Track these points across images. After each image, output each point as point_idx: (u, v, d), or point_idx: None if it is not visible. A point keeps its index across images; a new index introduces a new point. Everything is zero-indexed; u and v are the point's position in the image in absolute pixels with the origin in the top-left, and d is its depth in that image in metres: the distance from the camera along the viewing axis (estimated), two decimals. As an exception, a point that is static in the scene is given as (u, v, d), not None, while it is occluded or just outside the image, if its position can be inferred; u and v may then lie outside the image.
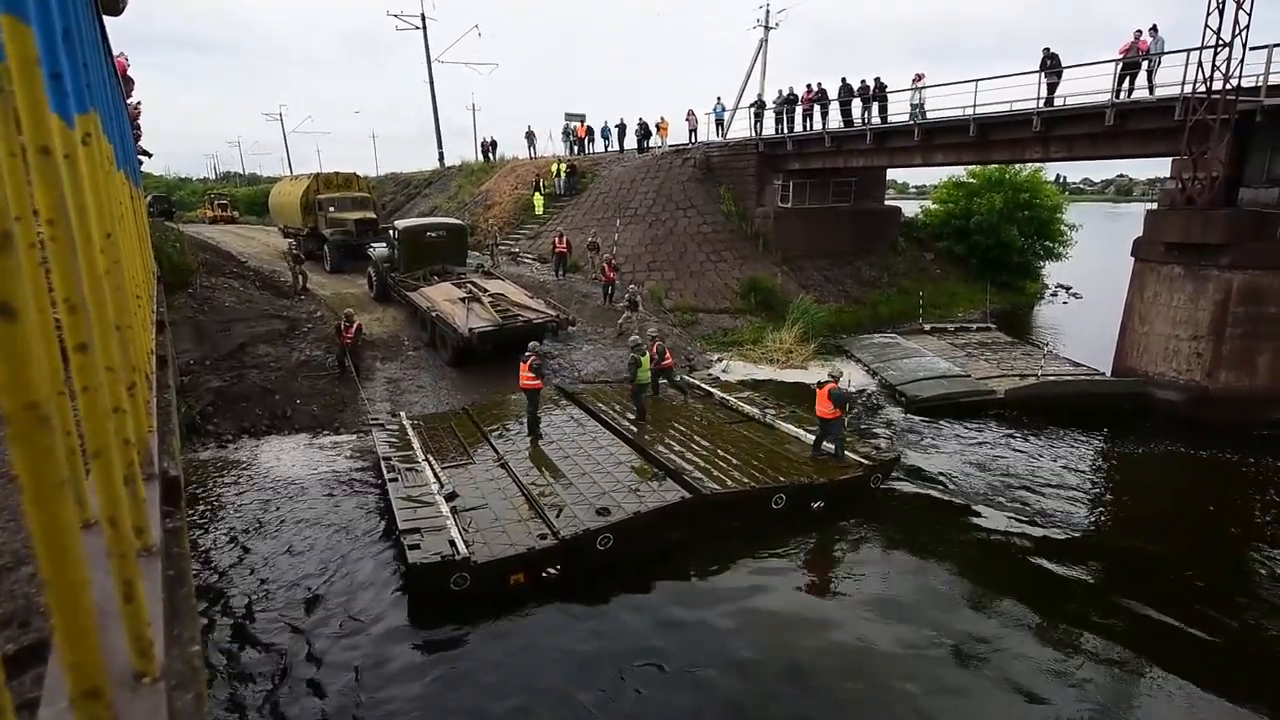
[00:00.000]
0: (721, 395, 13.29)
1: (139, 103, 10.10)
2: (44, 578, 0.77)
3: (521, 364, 11.37)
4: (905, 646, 7.18)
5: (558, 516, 8.61)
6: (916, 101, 19.47)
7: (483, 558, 7.78)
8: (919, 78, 19.61)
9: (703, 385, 14.05)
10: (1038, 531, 9.48)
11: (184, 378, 12.75)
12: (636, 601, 7.96)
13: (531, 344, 11.83)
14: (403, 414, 12.69)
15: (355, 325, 14.36)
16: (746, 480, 9.58)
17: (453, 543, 7.88)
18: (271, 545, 9.03)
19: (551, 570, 8.03)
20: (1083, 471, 11.54)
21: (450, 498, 9.15)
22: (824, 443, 10.40)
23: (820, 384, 10.16)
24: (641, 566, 8.48)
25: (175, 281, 15.62)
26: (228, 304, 16.37)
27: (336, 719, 6.17)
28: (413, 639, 7.30)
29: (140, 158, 9.68)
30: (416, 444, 10.99)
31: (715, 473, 9.79)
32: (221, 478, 10.92)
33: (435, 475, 9.83)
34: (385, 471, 10.03)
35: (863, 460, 10.20)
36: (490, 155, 36.38)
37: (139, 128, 10.34)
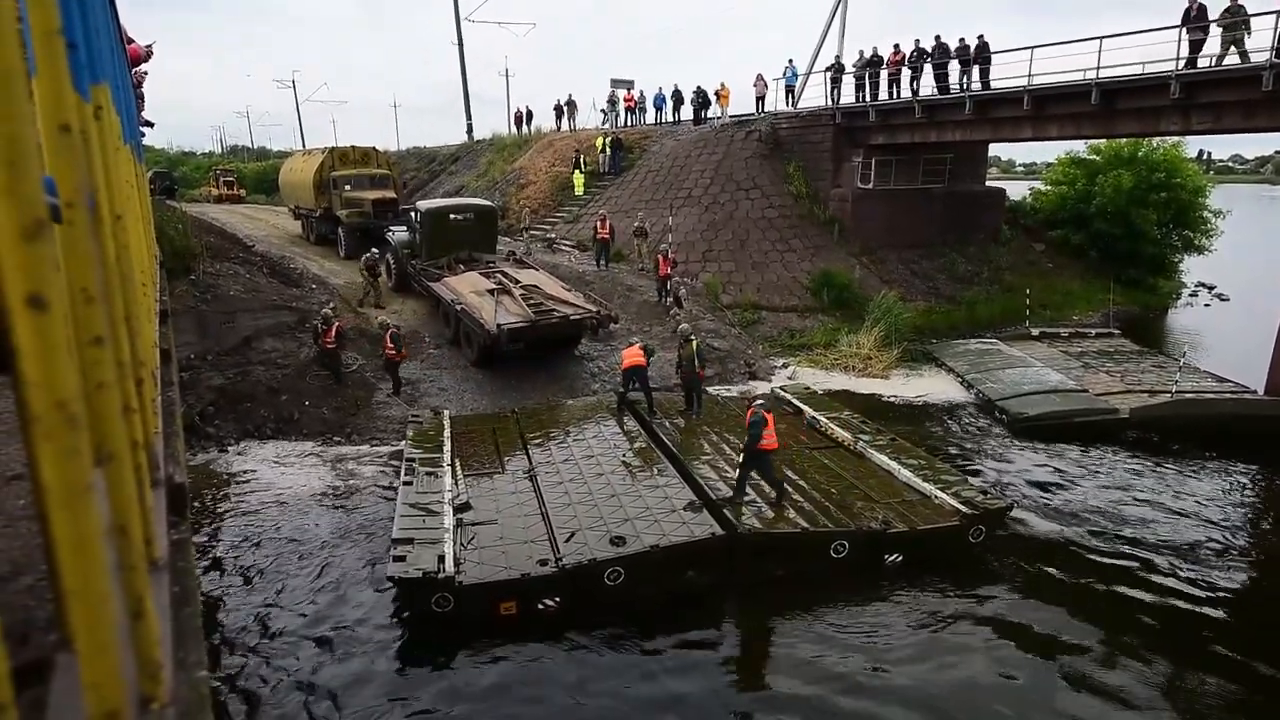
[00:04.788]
0: (812, 414, 13.02)
1: (144, 71, 10.59)
2: (65, 589, 0.83)
3: (629, 347, 13.31)
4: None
5: (567, 541, 8.65)
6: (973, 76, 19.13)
7: (471, 579, 7.90)
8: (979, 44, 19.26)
9: (793, 400, 13.86)
10: (1177, 593, 8.94)
11: (184, 374, 13.30)
12: (637, 658, 7.79)
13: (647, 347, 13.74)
14: (445, 412, 13.04)
15: (334, 327, 14.45)
16: (801, 520, 9.29)
17: (441, 559, 8.00)
18: (270, 561, 9.38)
19: (549, 602, 8.07)
20: (1229, 513, 11.02)
21: (461, 509, 9.34)
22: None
23: (766, 405, 9.66)
24: (658, 611, 8.38)
25: (177, 267, 16.30)
26: (232, 292, 17.00)
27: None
28: (392, 668, 7.53)
29: (142, 129, 10.16)
30: (448, 446, 11.27)
31: (766, 507, 9.61)
32: (221, 486, 11.36)
33: (455, 482, 10.08)
34: (403, 473, 10.34)
35: (960, 507, 9.57)
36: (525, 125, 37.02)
37: (142, 97, 10.85)
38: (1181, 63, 15.80)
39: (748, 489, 9.97)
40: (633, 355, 13.02)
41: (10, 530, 2.38)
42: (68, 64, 1.26)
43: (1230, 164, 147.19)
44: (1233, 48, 15.74)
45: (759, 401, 9.65)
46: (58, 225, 1.25)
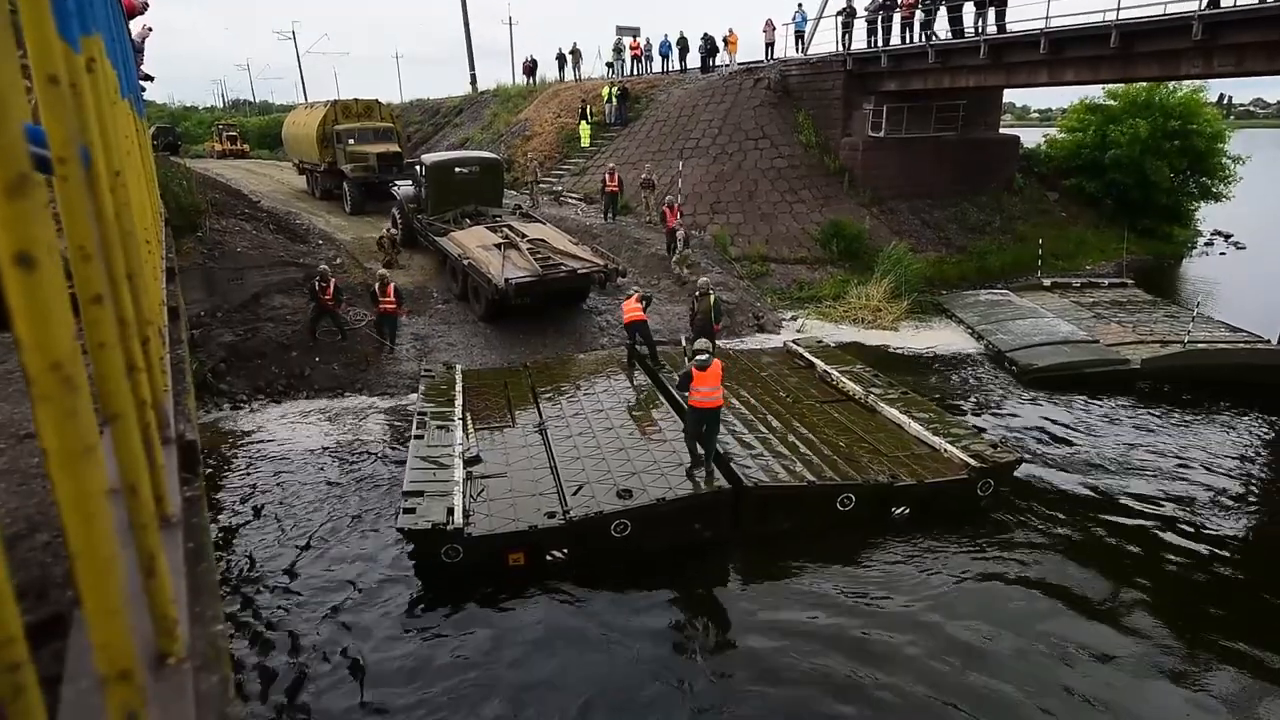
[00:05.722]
0: (824, 368, 12.94)
1: (148, 26, 10.40)
2: (71, 551, 0.83)
3: (627, 300, 13.13)
4: (1001, 697, 6.68)
5: (575, 494, 8.73)
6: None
7: (480, 531, 8.04)
8: None
9: (806, 354, 13.79)
10: (1188, 547, 8.90)
11: (194, 331, 13.35)
12: (642, 610, 7.87)
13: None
14: (458, 366, 13.15)
15: (332, 283, 14.18)
16: (808, 473, 9.29)
17: (451, 511, 8.13)
18: (282, 516, 9.52)
19: (557, 554, 8.20)
20: (1242, 465, 10.99)
21: (471, 462, 9.45)
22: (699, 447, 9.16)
23: (701, 363, 8.75)
24: (664, 563, 8.46)
25: (183, 224, 16.24)
26: (239, 249, 16.96)
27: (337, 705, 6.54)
28: (402, 618, 7.70)
29: (142, 84, 10.00)
30: (459, 400, 11.37)
31: (773, 460, 9.60)
32: (233, 442, 11.48)
33: (465, 435, 10.18)
34: (414, 426, 10.45)
35: (969, 460, 9.51)
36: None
37: (142, 51, 10.66)
38: (1203, 2, 15.31)
39: (753, 444, 10.01)
40: (632, 309, 12.94)
41: (25, 488, 2.41)
42: (52, 12, 1.21)
43: (1252, 108, 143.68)
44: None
45: (700, 357, 8.88)
46: (49, 180, 1.22)
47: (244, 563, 8.58)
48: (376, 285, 14.20)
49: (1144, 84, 25.19)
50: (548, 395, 11.98)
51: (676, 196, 20.61)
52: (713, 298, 12.77)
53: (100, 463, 0.87)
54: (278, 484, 10.31)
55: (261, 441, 11.53)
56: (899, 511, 9.20)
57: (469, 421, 10.74)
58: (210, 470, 10.42)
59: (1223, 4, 15.33)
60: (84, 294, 1.24)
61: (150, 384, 1.97)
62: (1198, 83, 25.29)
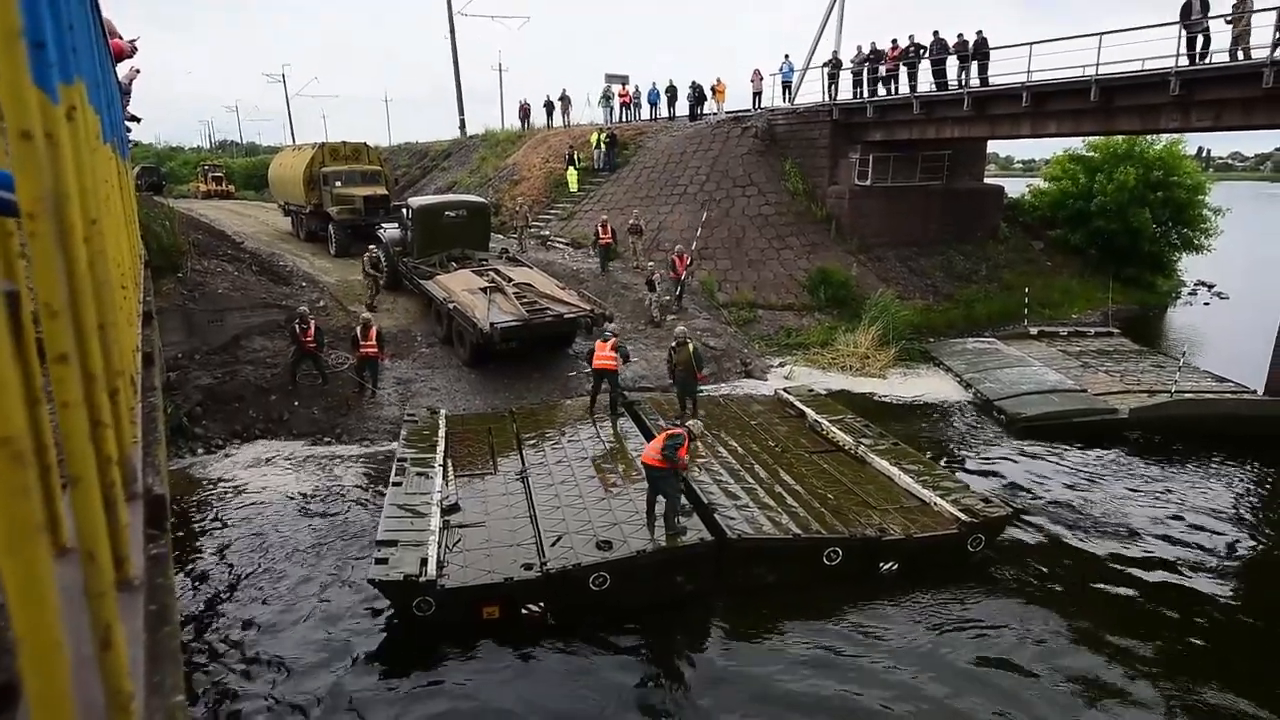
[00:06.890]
0: (815, 417, 12.89)
1: (135, 69, 10.48)
2: (16, 636, 0.78)
3: (601, 343, 12.68)
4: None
5: (553, 545, 8.58)
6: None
7: (453, 583, 7.88)
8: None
9: (796, 403, 13.80)
10: (1181, 599, 8.85)
11: (171, 373, 13.20)
12: (617, 668, 7.68)
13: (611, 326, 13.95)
14: (442, 411, 13.03)
15: (313, 325, 14.03)
16: (794, 526, 9.18)
17: (424, 561, 7.96)
18: (254, 566, 9.31)
19: (533, 607, 8.02)
20: (1231, 515, 11.01)
21: (449, 510, 9.31)
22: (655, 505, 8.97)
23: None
24: (643, 615, 8.33)
25: (164, 264, 16.17)
26: (221, 291, 16.88)
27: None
28: (373, 674, 7.49)
29: (128, 124, 10.03)
30: (441, 446, 11.23)
31: (759, 512, 9.49)
32: (207, 489, 11.27)
33: (445, 483, 10.06)
34: (394, 473, 10.30)
35: (959, 515, 9.42)
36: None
37: (129, 93, 10.73)
38: (1182, 59, 15.81)
39: (739, 494, 9.97)
40: (602, 357, 12.61)
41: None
42: (30, 66, 1.20)
43: (1230, 161, 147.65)
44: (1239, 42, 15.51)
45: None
46: (18, 236, 1.20)
47: (210, 617, 8.35)
48: (358, 329, 14.14)
49: (1123, 137, 25.87)
50: (532, 442, 11.87)
51: (692, 244, 20.87)
52: (691, 346, 12.62)
53: (48, 544, 0.83)
54: (250, 533, 10.10)
55: (235, 489, 11.33)
56: (887, 567, 9.08)
57: (450, 468, 10.62)
58: (180, 519, 10.21)
59: (1199, 61, 15.84)
60: (50, 351, 1.21)
61: (118, 438, 1.92)
62: (1176, 135, 25.99)
